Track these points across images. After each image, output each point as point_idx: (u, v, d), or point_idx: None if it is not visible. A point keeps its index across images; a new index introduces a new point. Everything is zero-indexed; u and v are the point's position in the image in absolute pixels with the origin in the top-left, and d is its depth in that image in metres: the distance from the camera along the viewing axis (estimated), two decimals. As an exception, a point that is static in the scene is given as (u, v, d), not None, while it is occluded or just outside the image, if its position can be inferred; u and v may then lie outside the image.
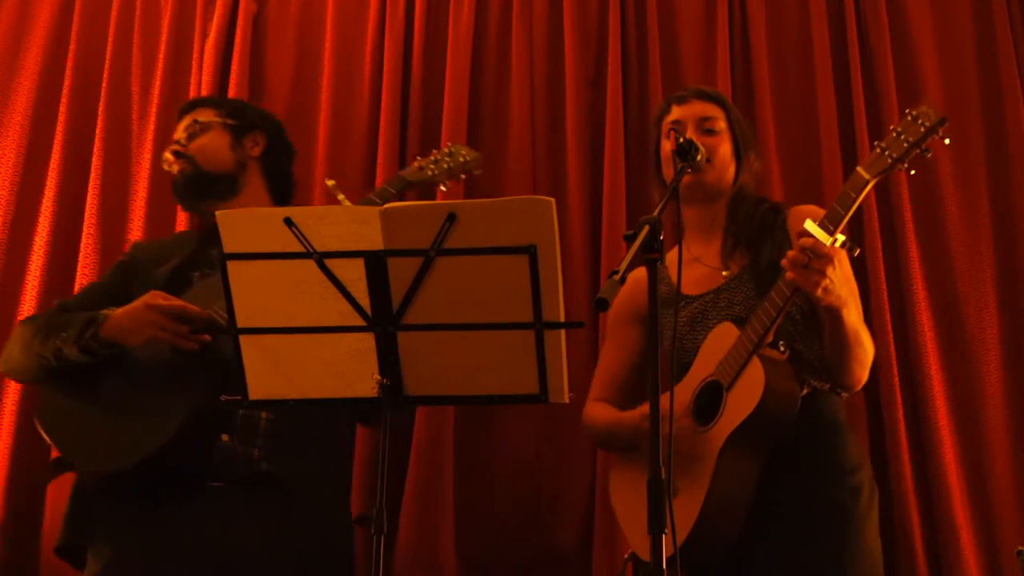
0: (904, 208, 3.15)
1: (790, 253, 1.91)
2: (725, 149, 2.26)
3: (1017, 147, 3.23)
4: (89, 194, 3.24)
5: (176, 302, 2.02)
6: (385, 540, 1.56)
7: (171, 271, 2.21)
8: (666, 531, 1.48)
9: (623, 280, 1.54)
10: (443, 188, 2.47)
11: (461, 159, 2.45)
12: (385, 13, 3.41)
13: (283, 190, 2.46)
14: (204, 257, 2.24)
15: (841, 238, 1.92)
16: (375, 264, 1.60)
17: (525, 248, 1.55)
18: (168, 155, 2.37)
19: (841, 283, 1.95)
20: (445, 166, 2.42)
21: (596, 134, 3.30)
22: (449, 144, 2.50)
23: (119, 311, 2.06)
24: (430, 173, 2.40)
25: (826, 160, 3.19)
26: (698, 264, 2.25)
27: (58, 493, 2.87)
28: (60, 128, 3.33)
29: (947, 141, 1.99)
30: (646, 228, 1.61)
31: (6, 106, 3.36)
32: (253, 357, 1.68)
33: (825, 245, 1.89)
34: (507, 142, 3.31)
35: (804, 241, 1.89)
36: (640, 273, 2.14)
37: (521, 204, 1.58)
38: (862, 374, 2.11)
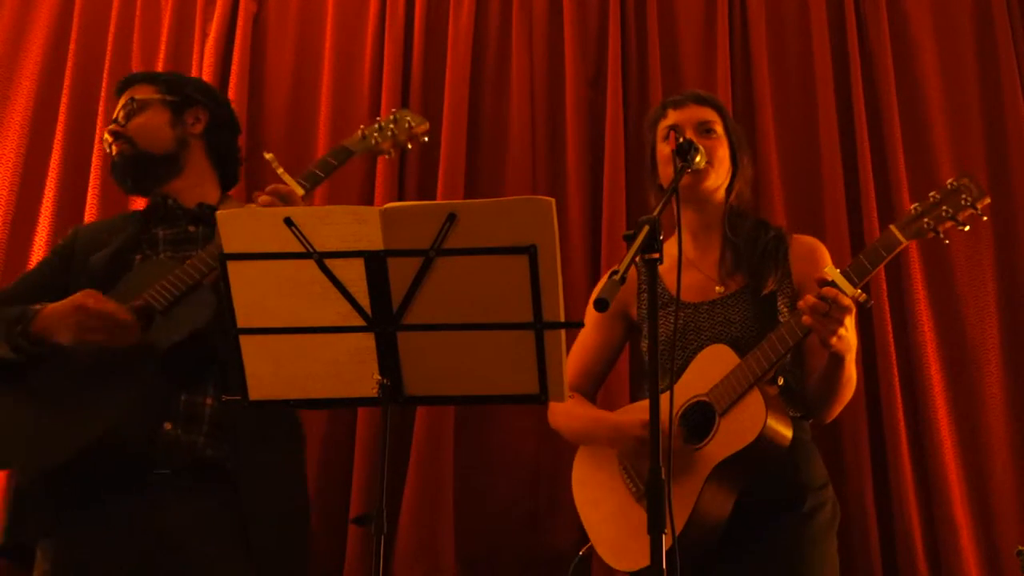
0: (904, 208, 3.15)
1: (810, 298, 1.90)
2: (723, 152, 2.26)
3: (1017, 147, 3.23)
4: (89, 194, 3.24)
5: (106, 306, 1.93)
6: (385, 540, 1.56)
7: (110, 256, 2.12)
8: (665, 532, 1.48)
9: (623, 280, 1.54)
10: (388, 155, 2.37)
11: (407, 125, 2.34)
12: (385, 13, 3.41)
13: (228, 168, 2.37)
14: (147, 238, 2.17)
15: (860, 293, 1.92)
16: (375, 264, 1.59)
17: (525, 248, 1.55)
18: (106, 135, 2.26)
19: (852, 332, 1.96)
20: (389, 133, 2.31)
21: (596, 134, 3.30)
22: (394, 110, 2.40)
23: (49, 308, 1.97)
24: (373, 141, 2.29)
25: (825, 161, 3.19)
26: (693, 269, 2.24)
27: None
28: (60, 128, 3.33)
29: (985, 218, 1.99)
30: (646, 228, 1.61)
31: (6, 106, 3.36)
32: (253, 357, 1.68)
33: (847, 298, 1.89)
34: (507, 142, 3.31)
35: (827, 291, 1.89)
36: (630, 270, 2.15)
37: (521, 204, 1.57)
38: (839, 411, 2.14)
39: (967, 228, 1.98)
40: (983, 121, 3.29)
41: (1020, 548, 2.65)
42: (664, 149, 2.26)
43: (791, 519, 2.03)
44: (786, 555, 2.01)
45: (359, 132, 2.30)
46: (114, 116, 2.28)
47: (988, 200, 1.96)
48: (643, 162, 2.46)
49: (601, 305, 1.50)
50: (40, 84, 3.40)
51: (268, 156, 2.20)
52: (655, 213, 1.67)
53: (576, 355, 2.36)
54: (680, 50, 3.40)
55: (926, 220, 1.97)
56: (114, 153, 2.25)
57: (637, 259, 1.62)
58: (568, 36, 3.36)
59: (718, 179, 2.24)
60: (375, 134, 2.29)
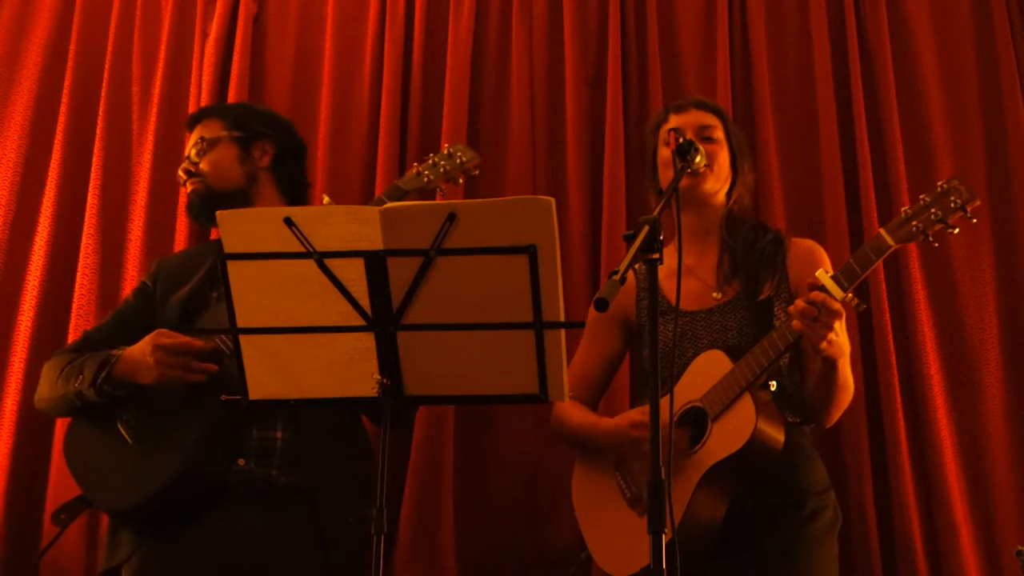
0: (904, 208, 3.15)
1: (799, 303, 1.91)
2: (724, 157, 2.26)
3: (1017, 147, 3.23)
4: (89, 194, 3.24)
5: (179, 339, 2.03)
6: (385, 540, 1.56)
7: (186, 296, 2.22)
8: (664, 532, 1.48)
9: (623, 280, 1.54)
10: (441, 190, 2.43)
11: (459, 161, 2.40)
12: (385, 13, 3.41)
13: (296, 194, 2.45)
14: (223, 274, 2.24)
15: (850, 296, 1.92)
16: (375, 264, 1.59)
17: (525, 248, 1.55)
18: (181, 174, 2.38)
19: (843, 336, 1.96)
20: (442, 170, 2.38)
21: (596, 134, 3.30)
22: (448, 145, 2.46)
23: (129, 351, 2.09)
24: (426, 179, 2.36)
25: (825, 161, 3.19)
26: (691, 276, 2.24)
27: (54, 495, 2.88)
28: (60, 128, 3.33)
29: (975, 220, 1.99)
30: (646, 228, 1.61)
31: (6, 106, 3.36)
32: (253, 357, 1.68)
33: (836, 302, 1.89)
34: (507, 142, 3.31)
35: (816, 296, 1.90)
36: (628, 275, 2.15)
37: (521, 204, 1.58)
38: (836, 416, 2.15)
39: (956, 231, 1.98)
40: (983, 121, 3.29)
41: (1020, 548, 2.64)
42: (665, 153, 2.27)
43: (791, 523, 2.04)
44: (786, 558, 2.01)
45: (413, 170, 2.38)
46: (186, 153, 2.40)
47: (977, 202, 1.97)
48: (644, 166, 2.46)
49: (601, 305, 1.50)
50: (40, 84, 3.40)
51: (325, 200, 2.27)
52: (655, 213, 1.67)
53: (576, 365, 2.37)
54: (680, 50, 3.40)
55: (915, 223, 1.96)
56: (188, 191, 2.36)
57: (638, 265, 1.62)
58: (568, 36, 3.36)
59: (717, 183, 2.24)
60: (427, 172, 2.36)
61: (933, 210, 1.96)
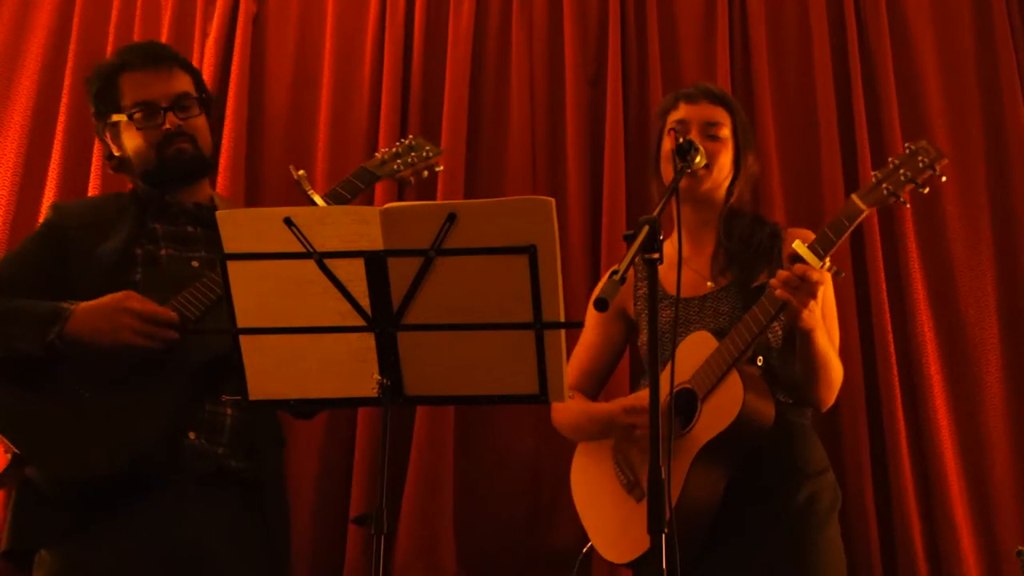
0: (904, 208, 3.15)
1: (781, 273, 1.94)
2: (725, 158, 2.25)
3: (1017, 147, 3.23)
4: (89, 194, 3.24)
5: (150, 306, 1.91)
6: (385, 540, 1.56)
7: (118, 250, 2.05)
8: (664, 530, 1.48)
9: (623, 280, 1.54)
10: (409, 183, 2.38)
11: (425, 154, 2.35)
12: (385, 13, 3.41)
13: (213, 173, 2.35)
14: (145, 232, 2.11)
15: (828, 264, 1.95)
16: (375, 264, 1.59)
17: (525, 248, 1.55)
18: (169, 126, 2.12)
19: (816, 309, 1.98)
20: (410, 160, 2.32)
21: (596, 134, 3.30)
22: (411, 136, 2.41)
23: (85, 308, 1.91)
24: (395, 167, 2.29)
25: (825, 160, 3.19)
26: (686, 267, 2.25)
27: None
28: (60, 128, 3.33)
29: (944, 179, 2.03)
30: (646, 228, 1.61)
31: (6, 106, 3.36)
32: (253, 357, 1.68)
33: (816, 271, 1.92)
34: (507, 142, 3.31)
35: (797, 267, 1.93)
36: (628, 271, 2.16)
37: (521, 204, 1.57)
38: (829, 396, 2.14)
39: (927, 190, 2.02)
40: (983, 121, 3.29)
41: (1020, 548, 2.65)
42: (668, 144, 2.26)
43: (791, 504, 2.03)
44: (788, 540, 2.01)
45: (377, 156, 2.31)
46: (161, 101, 2.13)
47: (946, 160, 2.00)
48: (646, 163, 2.45)
49: (601, 305, 1.50)
50: (40, 84, 3.40)
51: (300, 173, 2.17)
52: (655, 213, 1.67)
53: (577, 355, 2.37)
54: (680, 50, 3.40)
55: (885, 186, 1.99)
56: (171, 151, 2.12)
57: (636, 259, 1.62)
58: (568, 36, 3.36)
59: (715, 183, 2.24)
60: (396, 161, 2.30)
61: (902, 171, 1.99)
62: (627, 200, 3.17)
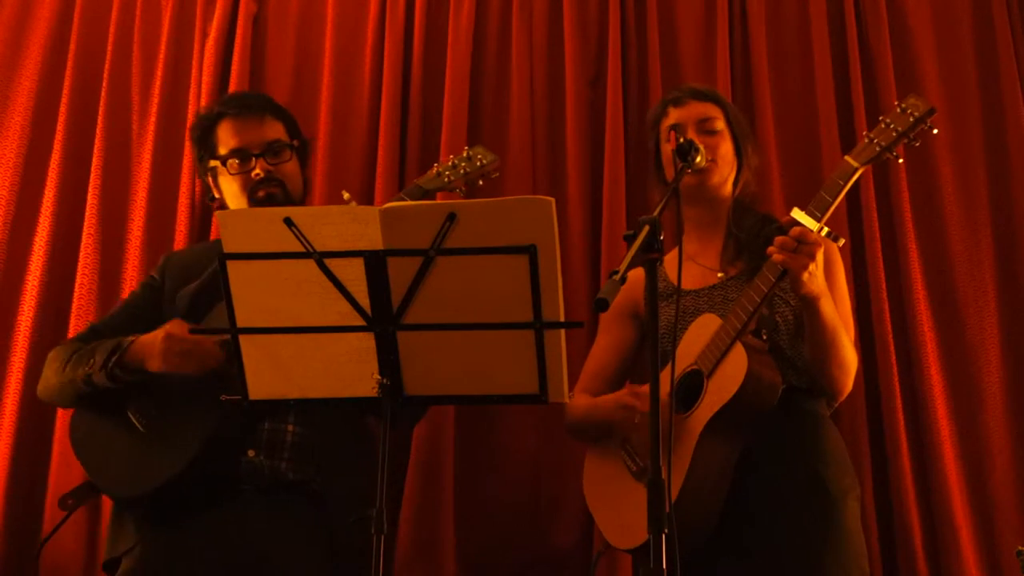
0: (904, 208, 3.15)
1: (779, 238, 1.94)
2: (726, 148, 2.26)
3: (1017, 147, 3.23)
4: (89, 194, 3.24)
5: (191, 335, 2.02)
6: (385, 540, 1.56)
7: (194, 291, 2.20)
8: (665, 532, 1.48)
9: (623, 280, 1.55)
10: (460, 192, 2.40)
11: (478, 163, 2.39)
12: (385, 13, 3.41)
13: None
14: None
15: (825, 228, 1.95)
16: (375, 264, 1.60)
17: (525, 248, 1.55)
18: (259, 172, 2.27)
19: (821, 277, 1.99)
20: (462, 171, 2.37)
21: (596, 134, 3.30)
22: (468, 148, 2.45)
23: (142, 337, 2.08)
24: (447, 179, 2.36)
25: (826, 160, 3.19)
26: (693, 262, 2.26)
27: (55, 491, 2.88)
28: (60, 128, 3.33)
29: (935, 131, 2.04)
30: (646, 228, 1.61)
31: (6, 106, 3.36)
32: (253, 357, 1.69)
33: (813, 232, 1.93)
34: (507, 142, 3.31)
35: (794, 230, 1.93)
36: (637, 270, 2.16)
37: (521, 204, 1.58)
38: (844, 379, 2.13)
39: (918, 144, 2.03)
40: (983, 121, 3.29)
41: (1020, 548, 2.65)
42: (668, 149, 2.26)
43: (807, 491, 2.02)
44: (806, 524, 2.00)
45: (433, 169, 2.38)
46: (252, 148, 2.28)
47: (935, 111, 2.01)
48: (646, 163, 2.46)
49: (601, 305, 1.50)
50: (40, 84, 3.40)
51: (346, 196, 2.25)
52: (655, 213, 1.67)
53: (590, 359, 2.38)
54: (680, 50, 3.40)
55: (877, 141, 2.01)
56: (262, 195, 2.27)
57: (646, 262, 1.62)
58: (568, 36, 3.36)
59: (722, 175, 2.25)
60: (448, 172, 2.36)
61: (893, 126, 2.01)
62: (627, 200, 3.16)
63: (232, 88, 3.30)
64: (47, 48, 3.44)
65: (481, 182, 2.44)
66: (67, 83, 3.38)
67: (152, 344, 2.05)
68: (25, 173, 3.30)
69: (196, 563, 2.00)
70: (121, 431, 2.09)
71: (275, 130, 2.33)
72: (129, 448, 2.07)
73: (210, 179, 2.37)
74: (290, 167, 2.32)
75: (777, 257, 1.93)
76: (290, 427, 2.10)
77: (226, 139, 2.31)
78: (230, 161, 2.29)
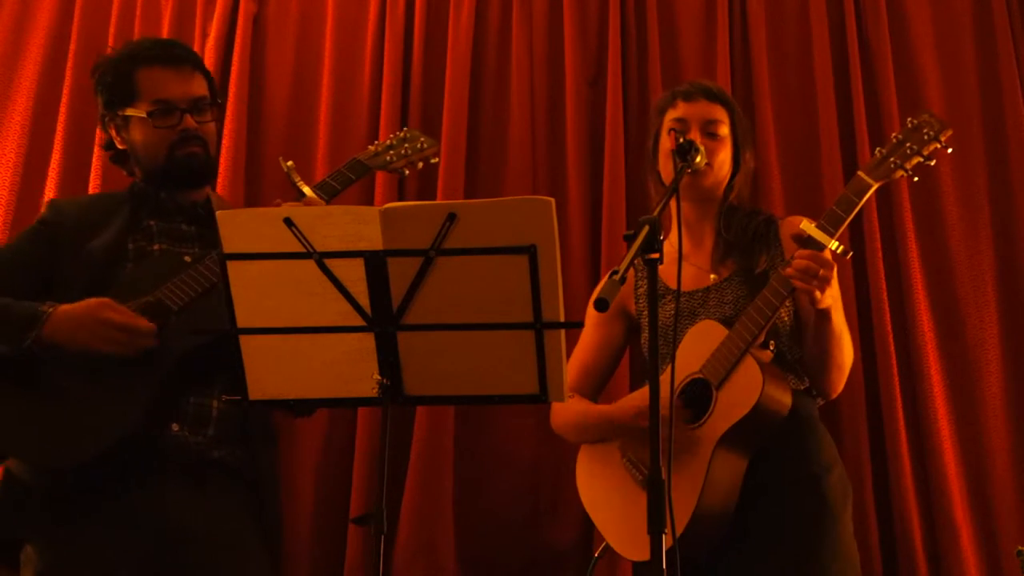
0: (904, 209, 3.16)
1: (796, 263, 1.92)
2: (725, 155, 2.26)
3: (1017, 147, 3.23)
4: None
5: (127, 317, 1.90)
6: (385, 540, 1.56)
7: (109, 245, 2.05)
8: (665, 531, 1.48)
9: (623, 280, 1.54)
10: (402, 175, 2.36)
11: (419, 145, 2.33)
12: (385, 13, 3.41)
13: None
14: (139, 227, 2.10)
15: (837, 243, 1.94)
16: (375, 264, 1.59)
17: (525, 248, 1.55)
18: (192, 124, 2.11)
19: (835, 284, 1.98)
20: (403, 151, 2.30)
21: (596, 134, 3.30)
22: (405, 129, 2.39)
23: (63, 313, 1.90)
24: (388, 158, 2.28)
25: (826, 160, 3.20)
26: (686, 262, 2.25)
27: None
28: (60, 128, 3.33)
29: (950, 150, 2.02)
30: (646, 228, 1.61)
31: (6, 106, 3.36)
32: (253, 357, 1.68)
33: (827, 252, 1.92)
34: (507, 142, 3.31)
35: (807, 252, 1.92)
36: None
37: (521, 204, 1.58)
38: (839, 379, 2.13)
39: (933, 163, 2.00)
40: (983, 121, 3.29)
41: (1020, 548, 2.65)
42: (667, 142, 2.26)
43: (803, 500, 2.02)
44: (801, 536, 1.99)
45: (371, 148, 2.30)
46: (180, 102, 2.11)
47: (950, 132, 1.99)
48: (644, 147, 2.44)
49: (601, 305, 1.50)
50: (40, 84, 3.40)
51: (288, 164, 2.16)
52: (655, 213, 1.67)
53: (576, 356, 2.36)
54: (680, 50, 3.40)
55: (892, 160, 1.99)
56: (182, 153, 2.11)
57: (636, 260, 1.62)
58: (568, 36, 3.36)
59: (716, 179, 2.24)
60: (389, 152, 2.29)
61: (908, 144, 1.99)
62: (627, 200, 3.17)
63: (232, 88, 3.30)
64: (47, 48, 3.44)
65: (421, 165, 2.36)
66: (67, 83, 3.39)
67: (79, 323, 1.89)
68: (25, 173, 3.30)
69: (117, 549, 1.88)
70: (32, 395, 1.92)
71: (201, 85, 2.16)
72: (49, 415, 1.90)
73: (113, 128, 2.17)
74: (212, 127, 2.17)
75: (798, 285, 1.92)
76: (215, 402, 2.00)
77: (150, 88, 2.11)
78: (153, 111, 2.10)
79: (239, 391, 1.71)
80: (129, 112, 2.14)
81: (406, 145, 2.32)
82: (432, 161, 2.39)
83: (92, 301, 1.92)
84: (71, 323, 1.90)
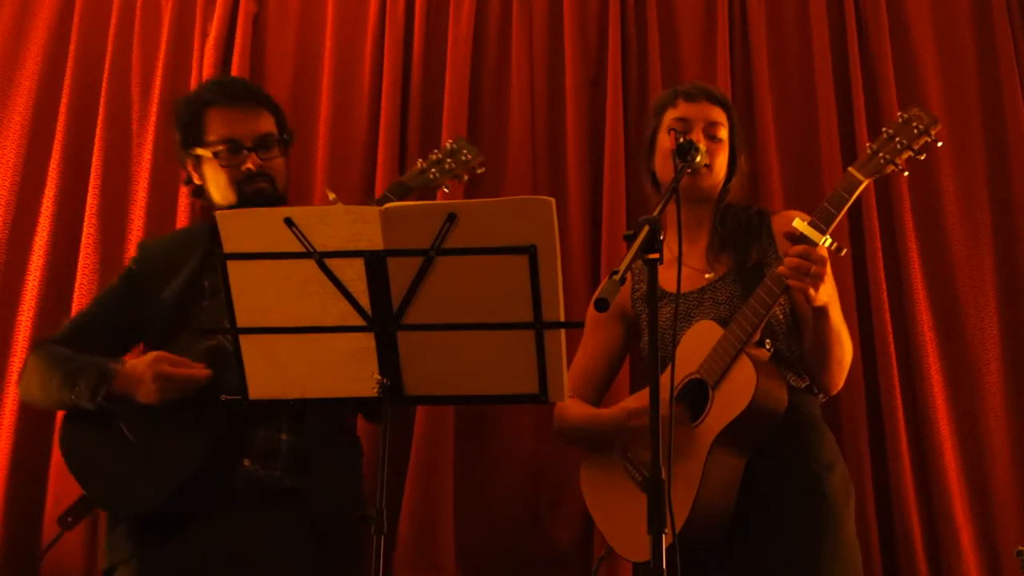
0: (904, 208, 3.15)
1: (789, 261, 1.92)
2: (723, 158, 2.27)
3: (1017, 147, 3.23)
4: (89, 194, 3.24)
5: (180, 370, 2.01)
6: (385, 540, 1.56)
7: (181, 289, 2.17)
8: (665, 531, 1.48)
9: (623, 280, 1.54)
10: (446, 189, 2.42)
11: (463, 158, 2.38)
12: (385, 13, 3.41)
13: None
14: (213, 261, 2.18)
15: (830, 239, 1.94)
16: (375, 264, 1.60)
17: (525, 248, 1.55)
18: (250, 165, 2.20)
19: (830, 280, 1.98)
20: (447, 167, 2.36)
21: (596, 134, 3.30)
22: (450, 141, 2.43)
23: (128, 368, 2.05)
24: (432, 176, 2.34)
25: (825, 160, 3.19)
26: (683, 265, 2.25)
27: (55, 493, 2.88)
28: (60, 128, 3.33)
29: (940, 144, 2.01)
30: (646, 228, 1.61)
31: (6, 106, 3.36)
32: (253, 357, 1.69)
33: (820, 248, 1.92)
34: (507, 142, 3.31)
35: (804, 249, 1.92)
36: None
37: (521, 204, 1.58)
38: (839, 375, 2.13)
39: (923, 157, 2.00)
40: (983, 120, 3.29)
41: (1020, 548, 2.65)
42: (666, 141, 2.26)
43: (806, 500, 2.02)
44: (802, 536, 1.99)
45: (417, 166, 2.35)
46: (245, 140, 2.21)
47: (939, 126, 1.99)
48: (640, 144, 2.44)
49: (601, 304, 1.50)
50: (40, 84, 3.40)
51: (332, 196, 2.24)
52: (655, 213, 1.67)
53: (577, 361, 2.37)
54: (680, 50, 3.40)
55: (882, 155, 1.99)
56: (251, 189, 2.20)
57: (635, 262, 1.62)
58: (568, 36, 3.36)
59: (713, 181, 2.25)
60: (433, 169, 2.35)
61: (898, 139, 1.99)
62: (627, 200, 3.16)
63: (232, 88, 3.30)
64: (47, 48, 3.44)
65: (466, 176, 2.43)
66: (67, 83, 3.38)
67: (140, 379, 2.02)
68: (25, 173, 3.30)
69: (195, 572, 2.00)
70: (113, 443, 2.06)
71: (267, 123, 2.26)
72: (123, 461, 2.05)
73: (190, 164, 2.29)
74: (279, 163, 2.26)
75: (792, 283, 1.92)
76: (283, 435, 2.09)
77: (217, 128, 2.23)
78: (220, 151, 2.21)
79: (240, 391, 1.71)
80: (199, 151, 2.25)
81: (449, 160, 2.37)
82: (478, 171, 2.44)
83: (150, 356, 2.05)
84: (132, 379, 2.04)
